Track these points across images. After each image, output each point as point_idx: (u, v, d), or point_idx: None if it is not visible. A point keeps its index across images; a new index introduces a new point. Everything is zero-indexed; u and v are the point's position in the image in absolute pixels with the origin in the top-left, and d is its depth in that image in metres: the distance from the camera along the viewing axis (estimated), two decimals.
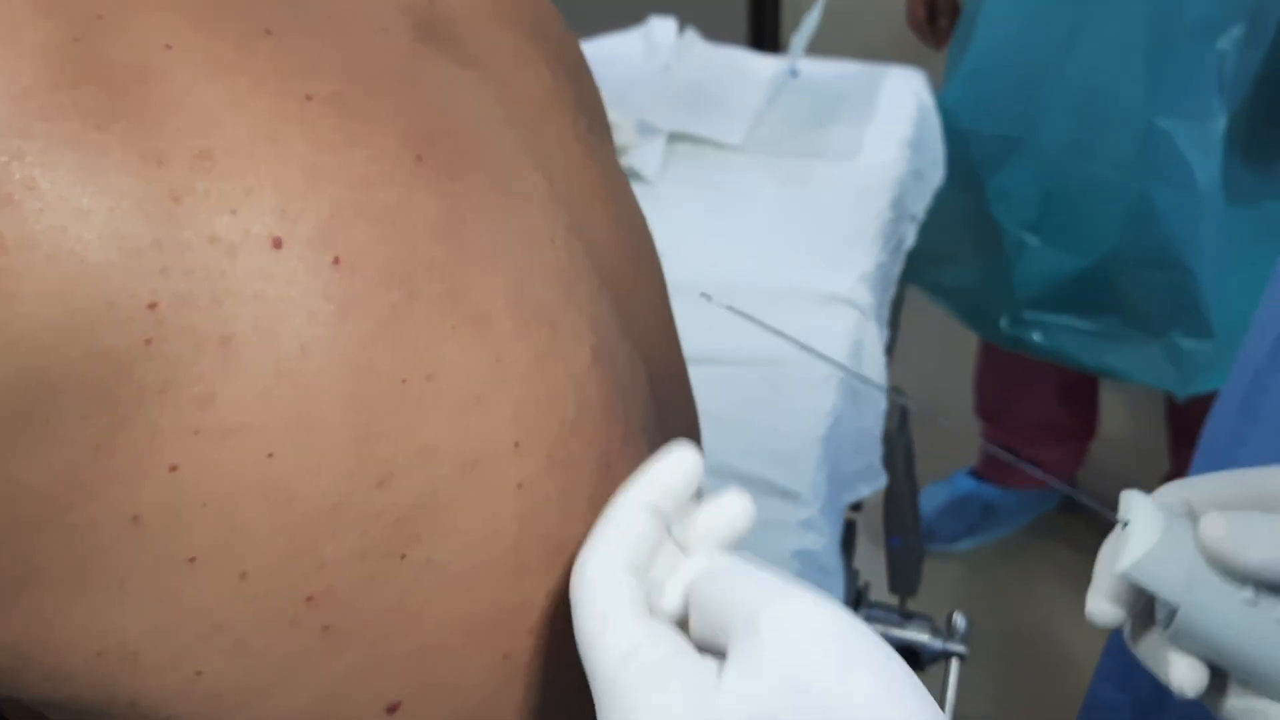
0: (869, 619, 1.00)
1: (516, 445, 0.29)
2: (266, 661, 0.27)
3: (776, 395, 1.00)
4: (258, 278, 0.26)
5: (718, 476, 0.96)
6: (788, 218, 1.13)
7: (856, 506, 1.12)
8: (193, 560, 0.25)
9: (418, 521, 0.27)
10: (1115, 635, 1.06)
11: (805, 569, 0.93)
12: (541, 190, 0.34)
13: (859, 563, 1.11)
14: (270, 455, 0.25)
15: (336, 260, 0.27)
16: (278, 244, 0.26)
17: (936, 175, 1.24)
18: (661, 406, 0.41)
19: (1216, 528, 0.33)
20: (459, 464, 0.28)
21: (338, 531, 0.26)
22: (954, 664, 1.02)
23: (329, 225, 0.27)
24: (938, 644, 1.02)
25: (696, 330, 1.09)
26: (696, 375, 1.04)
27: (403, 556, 0.27)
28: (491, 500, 0.29)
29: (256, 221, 0.26)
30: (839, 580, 0.98)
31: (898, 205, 1.17)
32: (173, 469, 0.25)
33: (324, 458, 0.26)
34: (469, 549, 0.29)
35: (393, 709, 0.29)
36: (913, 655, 1.00)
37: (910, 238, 1.19)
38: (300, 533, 0.26)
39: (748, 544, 0.99)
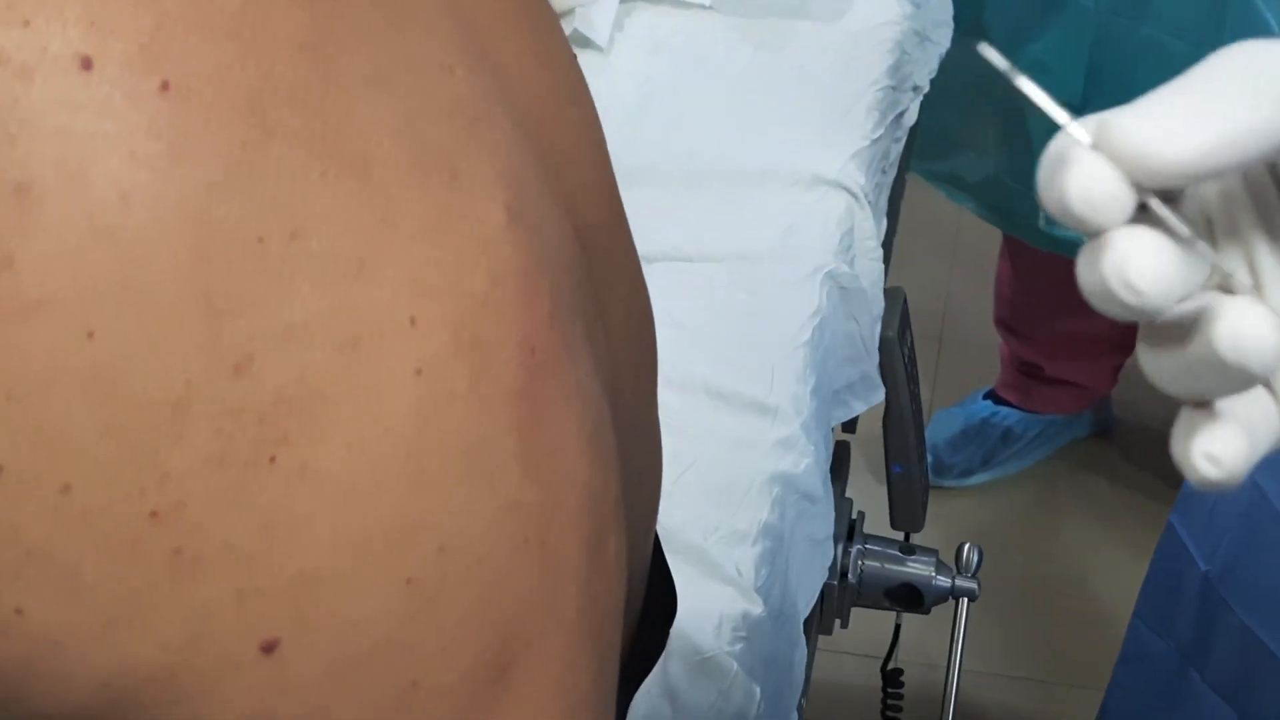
0: (864, 554, 0.97)
1: (412, 321, 0.28)
2: (105, 595, 0.25)
3: (750, 296, 0.99)
4: (61, 108, 0.24)
5: (682, 390, 0.92)
6: (765, 88, 1.11)
7: (850, 428, 1.08)
8: (1, 469, 0.24)
9: (286, 418, 0.26)
10: (1153, 576, 1.04)
11: (785, 494, 0.90)
12: (436, 7, 0.33)
13: (856, 497, 1.06)
14: (90, 335, 0.24)
15: (165, 85, 0.25)
16: (86, 65, 0.24)
17: (944, 38, 1.21)
18: (601, 288, 0.40)
19: None
20: (336, 344, 0.27)
21: (185, 431, 0.25)
22: (964, 604, 0.99)
23: (154, 41, 0.25)
24: (945, 581, 1.00)
25: (655, 221, 1.07)
26: (655, 274, 1.01)
27: (270, 461, 0.26)
28: (381, 390, 0.28)
29: (58, 36, 0.24)
30: (827, 510, 0.95)
31: (896, 73, 1.14)
32: None
33: (160, 337, 0.25)
34: (353, 451, 0.27)
35: (269, 647, 0.27)
36: (915, 594, 0.97)
37: (912, 112, 1.16)
38: (136, 434, 0.25)
39: (719, 465, 0.91)
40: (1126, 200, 0.27)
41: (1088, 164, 0.27)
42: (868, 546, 0.99)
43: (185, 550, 0.26)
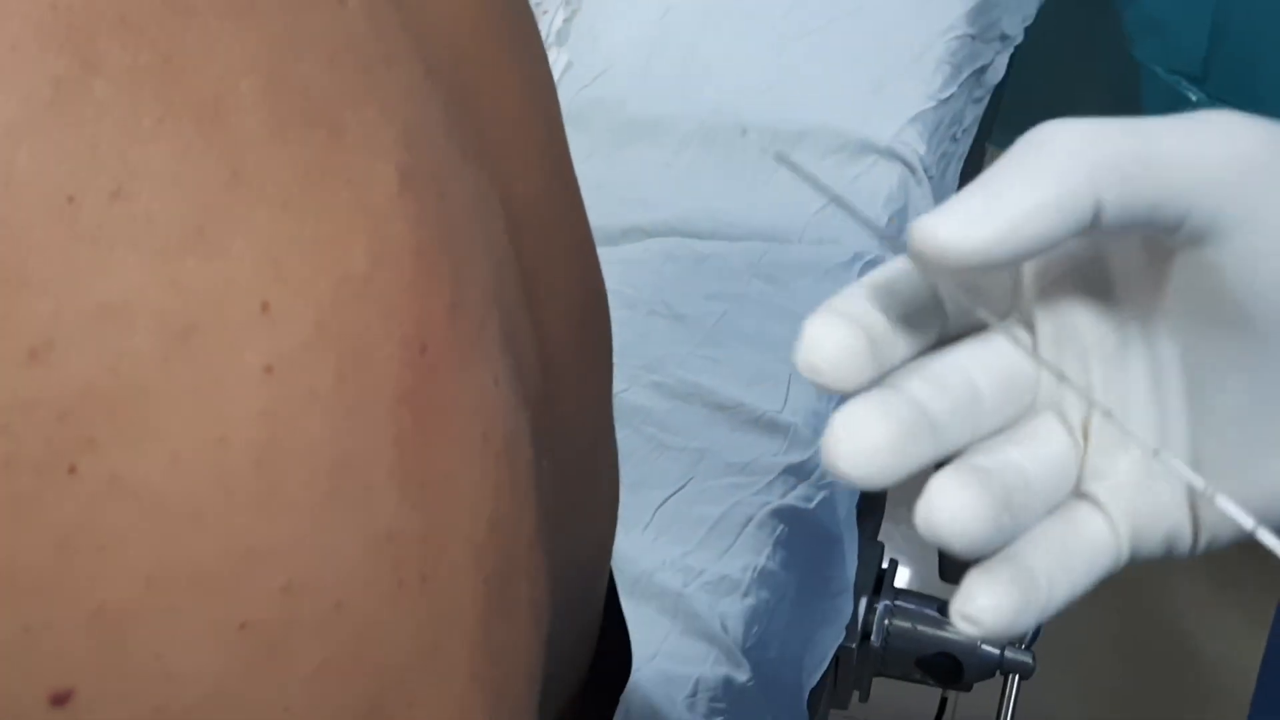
0: (892, 612, 0.88)
1: (264, 307, 0.28)
2: None
3: (769, 286, 0.92)
4: None
5: (674, 398, 0.87)
6: (809, 29, 1.05)
7: None
8: None
9: (93, 418, 0.26)
10: (1272, 654, 0.95)
11: (793, 534, 0.85)
12: None
13: (890, 542, 1.02)
14: None
15: None
16: None
17: None
18: (536, 273, 0.40)
19: None
20: (163, 331, 0.26)
21: None
22: (1014, 682, 0.91)
23: None
24: (993, 651, 0.96)
25: (658, 186, 1.01)
26: (652, 251, 0.92)
27: (70, 470, 0.26)
28: (219, 389, 0.27)
29: None
30: (847, 555, 0.89)
31: (979, 18, 1.07)
32: None
33: None
34: (180, 463, 0.27)
35: (60, 699, 0.27)
36: (954, 665, 0.91)
37: (998, 68, 1.10)
38: None
39: (712, 493, 0.81)
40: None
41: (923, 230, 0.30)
42: (898, 603, 0.91)
43: None
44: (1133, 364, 0.35)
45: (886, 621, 0.90)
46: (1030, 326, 0.35)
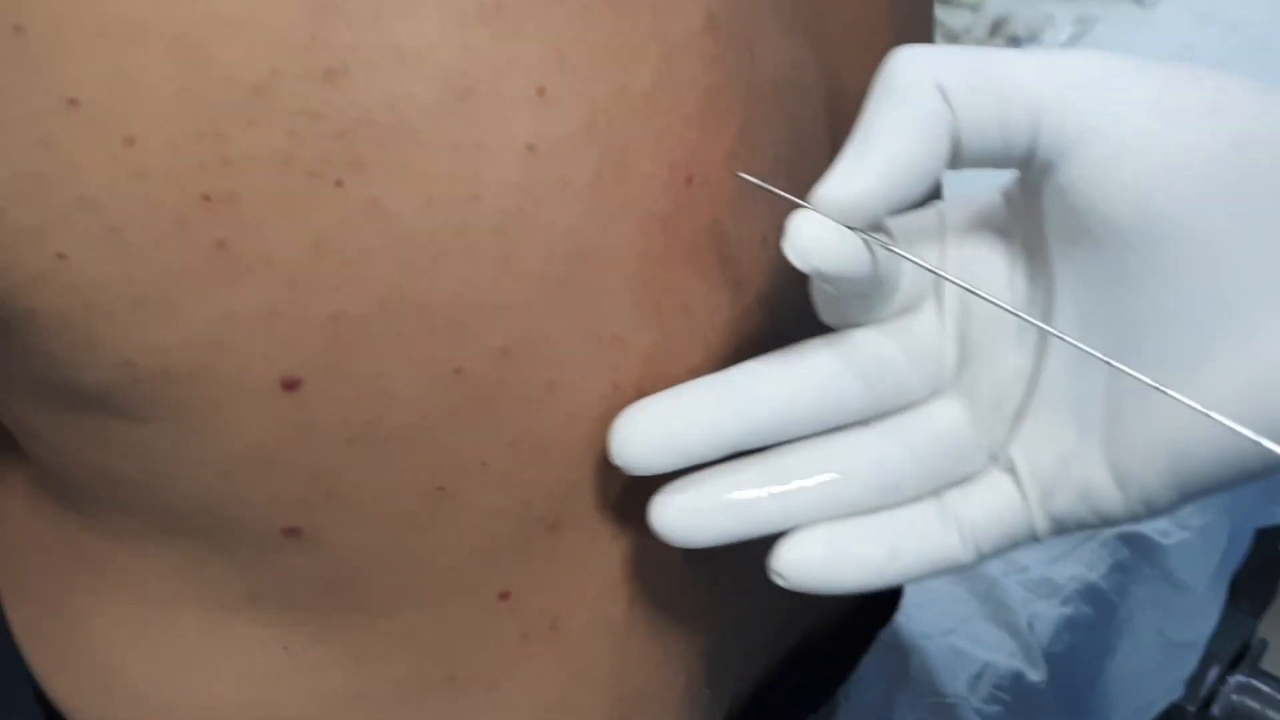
0: (1245, 689, 0.82)
1: (541, 92, 0.28)
2: (143, 265, 0.27)
3: None
4: None
5: None
6: None
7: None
8: (73, 102, 0.25)
9: (365, 141, 0.27)
10: None
11: (1136, 563, 0.80)
12: None
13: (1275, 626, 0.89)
14: None
15: None
16: None
17: None
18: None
19: None
20: (444, 85, 0.27)
21: (257, 119, 0.26)
22: None
23: None
24: None
25: None
26: None
27: (338, 183, 0.27)
28: (481, 151, 0.28)
29: None
30: (1202, 608, 0.83)
31: None
32: None
33: (260, 16, 0.25)
34: (434, 205, 0.28)
35: (290, 384, 0.28)
36: None
37: None
38: (209, 106, 0.26)
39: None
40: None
41: (798, 217, 0.30)
42: (1254, 683, 0.82)
43: (229, 245, 0.27)
44: (1035, 305, 0.33)
45: (1235, 696, 0.83)
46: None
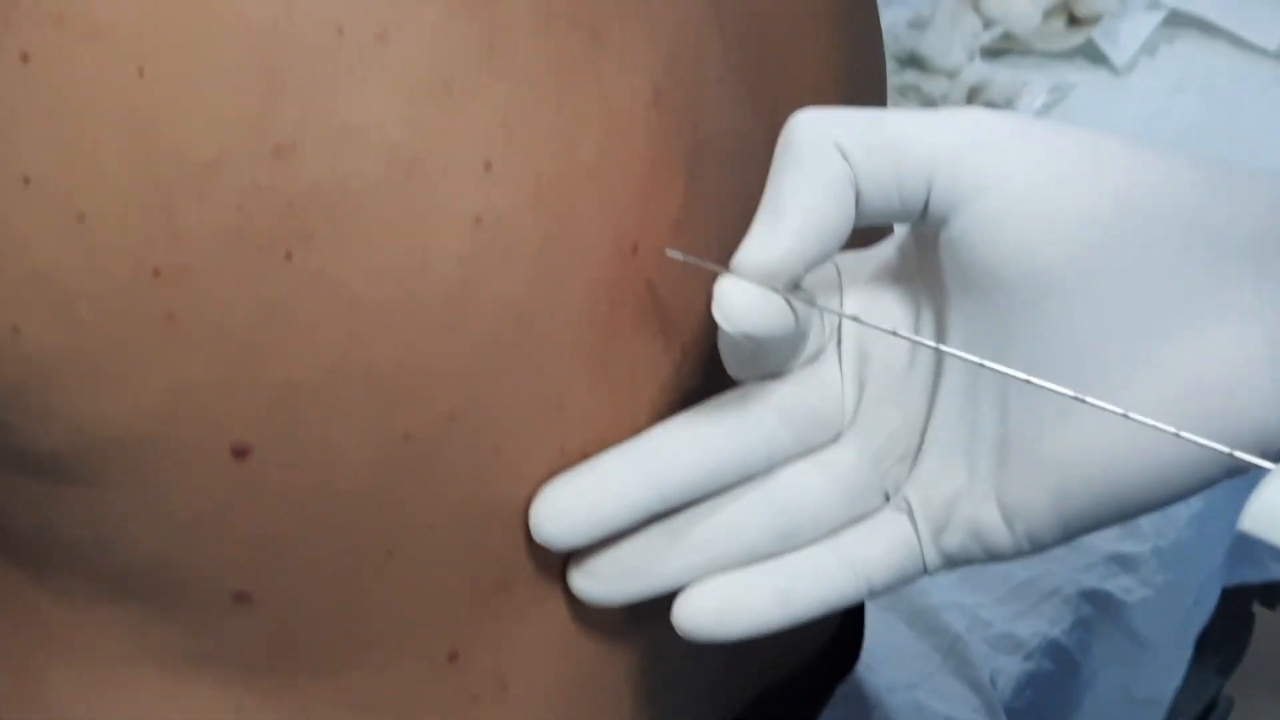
0: None
1: (487, 166, 0.29)
2: (96, 337, 0.27)
3: None
4: None
5: None
6: None
7: (1272, 600, 0.92)
8: (27, 181, 0.26)
9: (314, 214, 0.27)
10: None
11: (1098, 621, 0.81)
12: None
13: (1242, 687, 0.90)
14: (140, 72, 0.26)
15: None
16: None
17: None
18: None
19: None
20: (392, 160, 0.28)
21: (207, 194, 0.26)
22: None
23: None
24: None
25: None
26: None
27: (287, 255, 0.27)
28: (428, 223, 0.28)
29: None
30: (1165, 665, 0.84)
31: None
32: (24, 58, 0.25)
33: (209, 94, 0.26)
34: (379, 276, 0.28)
35: (240, 452, 0.29)
36: None
37: None
38: (159, 182, 0.26)
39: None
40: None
41: (725, 284, 0.31)
42: None
43: (179, 317, 0.27)
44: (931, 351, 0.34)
45: None
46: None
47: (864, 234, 0.34)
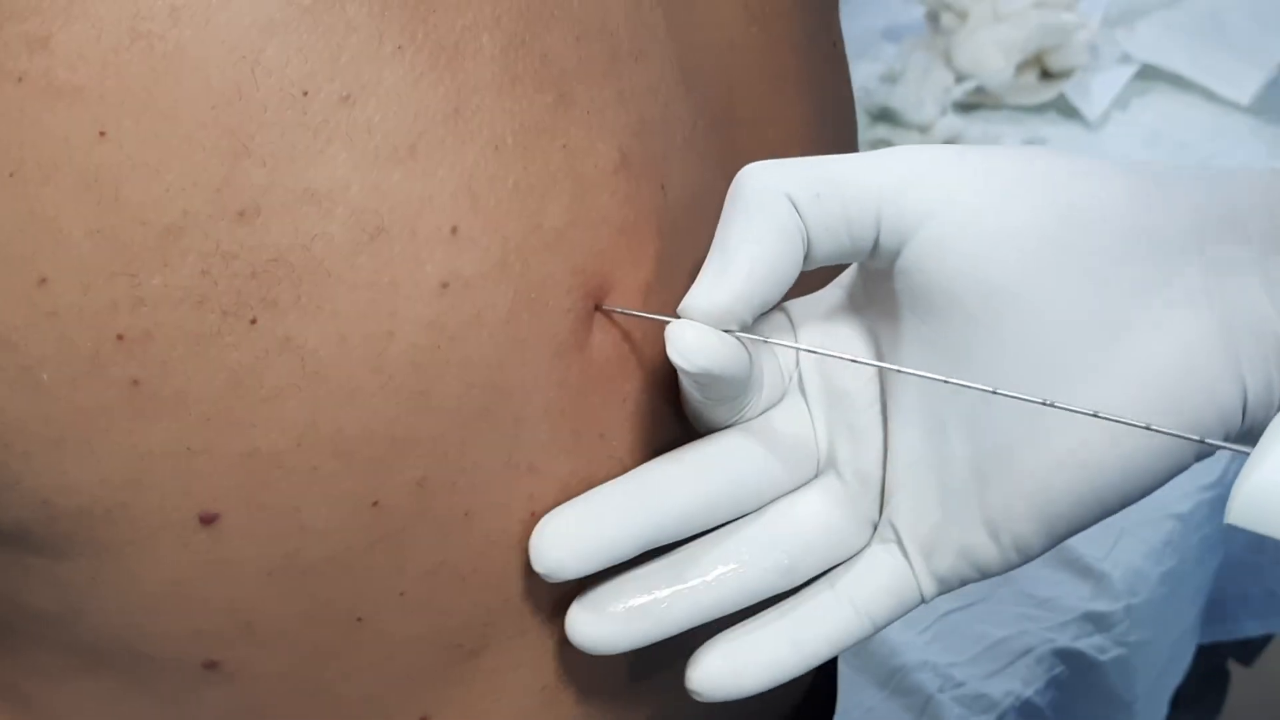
0: None
1: (454, 230, 0.29)
2: (59, 405, 0.27)
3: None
4: None
5: None
6: None
7: (1248, 658, 0.92)
8: None
9: (279, 280, 0.27)
10: None
11: (1074, 681, 0.80)
12: None
13: None
14: (101, 134, 0.26)
15: None
16: None
17: None
18: None
19: None
20: (357, 226, 0.28)
21: (171, 260, 0.26)
22: None
23: None
24: None
25: None
26: None
27: (252, 322, 0.27)
28: (395, 289, 0.28)
29: None
30: None
31: None
32: None
33: (173, 159, 0.26)
34: (346, 343, 0.28)
35: (209, 519, 0.29)
36: None
37: None
38: (121, 247, 0.26)
39: (1002, 607, 0.83)
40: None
41: (678, 325, 0.31)
42: None
43: (143, 385, 0.27)
44: (889, 380, 0.35)
45: None
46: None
47: (821, 277, 0.34)
